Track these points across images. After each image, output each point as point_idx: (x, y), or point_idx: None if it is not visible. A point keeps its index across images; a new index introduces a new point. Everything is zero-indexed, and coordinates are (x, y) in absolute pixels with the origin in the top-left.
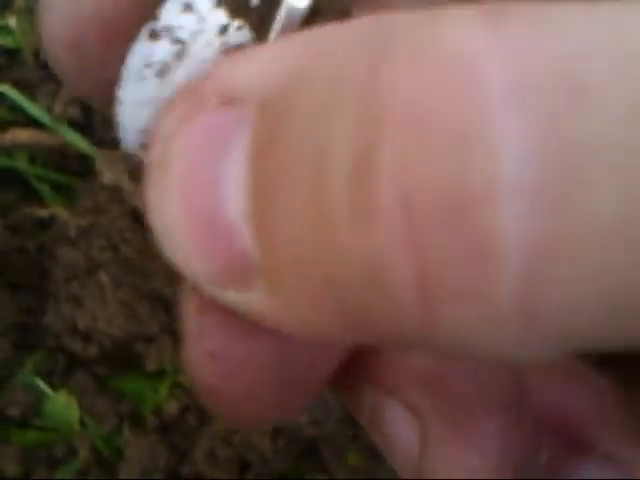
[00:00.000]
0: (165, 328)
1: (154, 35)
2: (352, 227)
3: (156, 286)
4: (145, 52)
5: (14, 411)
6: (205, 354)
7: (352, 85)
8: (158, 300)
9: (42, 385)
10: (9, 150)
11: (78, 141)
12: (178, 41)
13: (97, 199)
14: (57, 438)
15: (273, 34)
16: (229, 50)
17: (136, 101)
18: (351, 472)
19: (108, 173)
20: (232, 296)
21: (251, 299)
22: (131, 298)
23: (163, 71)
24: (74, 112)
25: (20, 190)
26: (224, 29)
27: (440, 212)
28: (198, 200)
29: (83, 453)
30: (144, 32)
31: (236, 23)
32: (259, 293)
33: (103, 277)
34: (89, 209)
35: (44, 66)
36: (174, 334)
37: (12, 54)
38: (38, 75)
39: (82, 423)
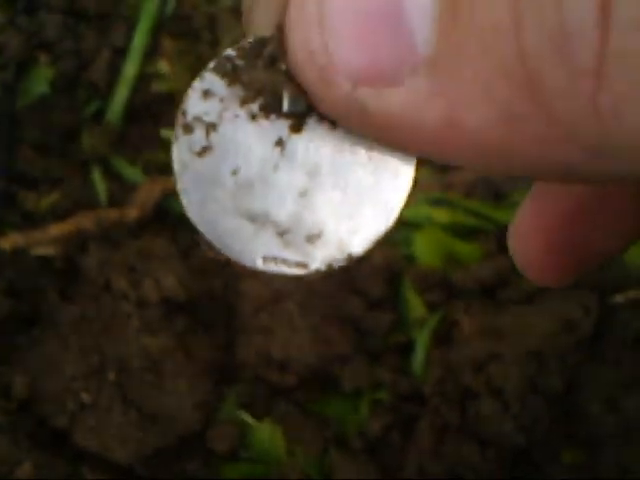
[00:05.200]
0: (356, 347)
1: (187, 128)
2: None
3: (342, 307)
4: (186, 141)
5: (222, 446)
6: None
7: None
8: (346, 320)
9: (246, 417)
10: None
11: None
12: (209, 125)
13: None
14: (267, 469)
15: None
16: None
17: (197, 179)
18: (569, 471)
19: None
20: (366, 93)
21: (393, 97)
22: (319, 322)
23: (204, 152)
24: None
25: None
26: (244, 101)
27: None
28: None
29: None
30: (179, 126)
31: (251, 91)
32: (407, 89)
33: (289, 305)
34: None
35: None
36: (366, 352)
37: (169, 99)
38: None
39: (289, 451)
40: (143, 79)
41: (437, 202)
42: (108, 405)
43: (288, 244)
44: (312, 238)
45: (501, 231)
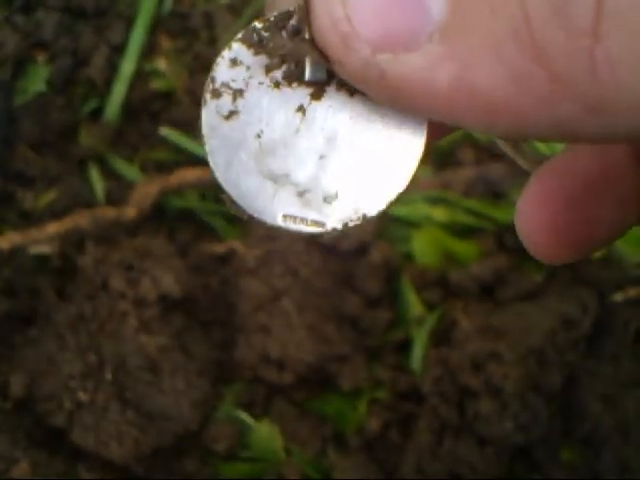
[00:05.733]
0: (355, 345)
1: (216, 93)
2: None
3: (340, 305)
4: (215, 106)
5: (221, 446)
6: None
7: None
8: (344, 318)
9: (244, 416)
10: (179, 191)
11: None
12: (236, 91)
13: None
14: (266, 468)
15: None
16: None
17: (224, 142)
18: (568, 469)
19: None
20: (384, 58)
21: (409, 61)
22: (317, 320)
23: (231, 116)
24: None
25: (195, 228)
26: (268, 69)
27: None
28: None
29: None
30: (208, 92)
31: (275, 60)
32: (422, 54)
33: (287, 303)
34: (262, 238)
35: (199, 104)
36: (365, 350)
37: (166, 97)
38: (194, 114)
39: (287, 450)
40: (141, 77)
41: (435, 201)
42: (105, 404)
43: (307, 204)
44: (329, 198)
45: (500, 230)
